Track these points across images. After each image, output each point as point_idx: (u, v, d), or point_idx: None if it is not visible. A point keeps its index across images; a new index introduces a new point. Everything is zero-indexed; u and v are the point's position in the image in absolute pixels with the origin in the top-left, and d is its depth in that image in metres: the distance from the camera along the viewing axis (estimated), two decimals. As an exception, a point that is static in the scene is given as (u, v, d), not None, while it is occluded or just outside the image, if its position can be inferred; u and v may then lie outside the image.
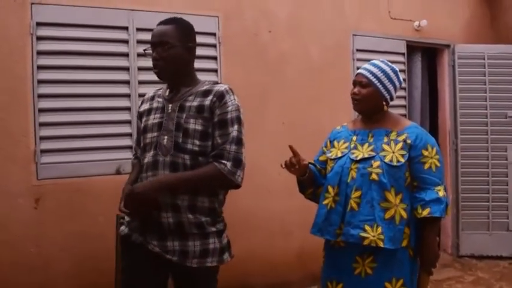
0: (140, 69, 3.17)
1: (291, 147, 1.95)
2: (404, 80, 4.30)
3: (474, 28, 4.73)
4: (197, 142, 1.74)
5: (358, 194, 1.92)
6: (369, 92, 1.98)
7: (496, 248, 4.42)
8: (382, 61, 2.05)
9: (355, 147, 2.01)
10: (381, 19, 4.19)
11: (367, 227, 1.87)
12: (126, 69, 3.18)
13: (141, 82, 3.17)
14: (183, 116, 1.77)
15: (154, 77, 1.87)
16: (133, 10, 3.18)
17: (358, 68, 3.90)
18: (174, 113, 1.79)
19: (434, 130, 4.73)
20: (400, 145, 1.94)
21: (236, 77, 3.49)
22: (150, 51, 1.83)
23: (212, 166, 1.72)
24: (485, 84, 4.43)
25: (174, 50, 1.79)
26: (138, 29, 3.16)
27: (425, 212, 1.89)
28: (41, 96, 2.95)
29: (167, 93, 1.89)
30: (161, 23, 1.84)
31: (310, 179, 2.06)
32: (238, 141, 1.76)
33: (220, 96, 1.78)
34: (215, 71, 3.46)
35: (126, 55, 3.18)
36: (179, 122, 1.76)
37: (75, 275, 2.97)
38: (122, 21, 3.16)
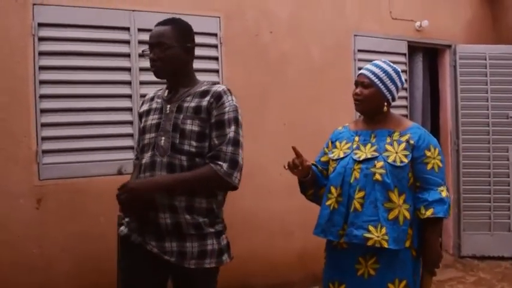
0: (142, 69, 3.17)
1: (294, 149, 1.94)
2: (405, 80, 4.30)
3: (475, 28, 4.72)
4: (194, 143, 1.74)
5: (361, 194, 1.91)
6: (371, 93, 1.98)
7: (497, 249, 4.42)
8: (384, 61, 2.04)
9: (358, 148, 2.00)
10: (382, 19, 4.19)
11: (371, 228, 1.86)
12: (128, 69, 3.18)
13: (142, 83, 3.18)
14: (180, 116, 1.77)
15: (156, 78, 1.87)
16: (134, 11, 3.19)
17: (359, 69, 3.91)
18: (171, 114, 1.79)
19: (435, 130, 4.72)
20: (403, 145, 1.93)
21: (237, 77, 3.50)
22: (148, 52, 1.83)
23: (208, 167, 1.71)
24: (486, 85, 4.43)
25: (171, 51, 1.79)
26: (140, 30, 3.16)
27: (429, 213, 1.89)
28: (42, 96, 2.96)
29: (166, 93, 1.89)
30: (159, 23, 1.84)
31: (312, 180, 2.06)
32: (235, 142, 1.75)
33: (218, 97, 1.77)
34: (216, 71, 3.46)
35: (127, 56, 3.18)
36: (176, 122, 1.76)
37: (77, 275, 2.98)
38: (124, 21, 3.17)
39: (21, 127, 2.89)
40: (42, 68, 2.96)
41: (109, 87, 3.15)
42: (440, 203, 1.89)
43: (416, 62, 4.57)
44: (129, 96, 3.19)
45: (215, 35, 3.46)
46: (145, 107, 1.95)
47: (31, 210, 2.91)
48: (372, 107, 2.01)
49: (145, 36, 3.04)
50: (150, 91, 2.07)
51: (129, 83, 3.19)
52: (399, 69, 2.04)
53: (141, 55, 1.99)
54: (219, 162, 1.71)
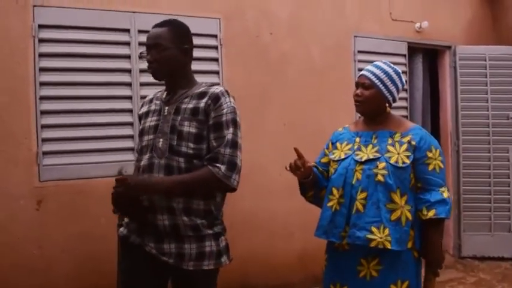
0: (142, 71, 3.17)
1: (296, 150, 1.93)
2: (405, 81, 4.30)
3: (475, 29, 4.72)
4: (191, 145, 1.73)
5: (363, 195, 1.90)
6: (371, 94, 1.98)
7: (497, 249, 4.42)
8: (384, 63, 2.04)
9: (359, 149, 2.00)
10: (382, 20, 4.19)
11: (373, 229, 1.85)
12: (128, 71, 3.19)
13: (142, 84, 3.18)
14: (178, 118, 1.76)
15: (154, 79, 1.87)
16: (135, 12, 3.19)
17: (359, 69, 3.93)
18: (169, 116, 1.79)
19: (435, 131, 4.72)
20: (404, 146, 1.93)
21: (237, 78, 3.50)
22: (145, 54, 1.83)
23: (206, 170, 1.71)
24: (486, 86, 4.43)
25: (168, 52, 1.78)
26: (140, 31, 3.16)
27: (431, 214, 1.88)
28: (42, 98, 2.96)
29: (164, 95, 1.89)
30: (156, 25, 1.83)
31: (312, 182, 2.05)
32: (234, 144, 1.74)
33: (215, 99, 1.76)
34: (217, 72, 3.46)
35: (127, 57, 3.18)
36: (174, 124, 1.76)
37: (77, 276, 2.98)
38: (124, 23, 3.17)
39: (21, 128, 2.90)
40: (43, 70, 2.96)
41: (109, 89, 3.16)
42: (442, 204, 1.89)
43: (416, 63, 4.58)
44: (130, 98, 3.20)
45: (215, 36, 3.47)
46: (144, 109, 1.95)
47: (31, 211, 2.92)
48: (373, 108, 2.01)
49: (146, 38, 3.06)
50: (150, 92, 2.07)
51: (129, 84, 3.20)
52: (400, 70, 2.04)
53: (140, 57, 1.98)
54: (217, 165, 1.70)
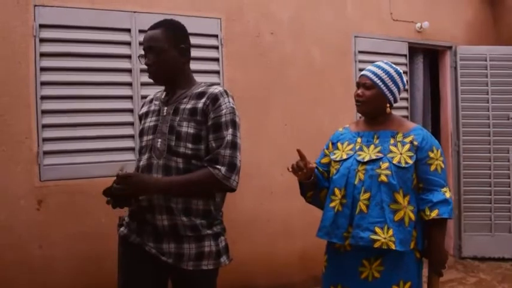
0: (142, 71, 3.16)
1: (298, 151, 1.92)
2: (406, 81, 4.30)
3: (476, 29, 4.72)
4: (190, 145, 1.73)
5: (367, 196, 1.89)
6: (373, 94, 1.97)
7: (498, 250, 4.42)
8: (386, 63, 2.04)
9: (361, 149, 1.99)
10: (382, 21, 4.19)
11: (377, 229, 1.84)
12: (129, 71, 3.19)
13: (143, 84, 3.18)
14: (177, 119, 1.76)
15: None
16: (135, 12, 3.19)
17: (360, 70, 3.93)
18: (168, 116, 1.79)
19: (436, 132, 4.72)
20: (407, 147, 1.93)
21: (238, 78, 3.51)
22: (143, 58, 1.83)
23: (206, 171, 1.71)
24: (487, 86, 4.43)
25: (165, 54, 1.78)
26: (141, 31, 3.16)
27: (434, 214, 1.88)
28: (43, 98, 2.96)
29: (163, 95, 1.89)
30: (151, 27, 1.82)
31: (313, 183, 2.04)
32: (233, 145, 1.74)
33: (214, 99, 1.76)
34: (217, 72, 3.46)
35: (128, 57, 3.19)
36: (172, 125, 1.76)
37: (77, 275, 2.98)
38: (125, 23, 3.17)
39: (22, 128, 2.90)
40: (44, 69, 2.96)
41: (110, 89, 3.16)
42: (444, 204, 1.89)
43: (416, 63, 4.58)
44: (130, 98, 3.20)
45: (216, 36, 3.47)
46: (144, 109, 1.96)
47: (32, 211, 2.92)
48: (374, 108, 2.00)
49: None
50: (150, 92, 2.07)
51: (130, 84, 3.20)
52: (401, 71, 2.04)
53: (145, 56, 1.97)
54: (218, 166, 1.71)
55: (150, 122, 1.85)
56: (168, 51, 1.78)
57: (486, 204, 4.42)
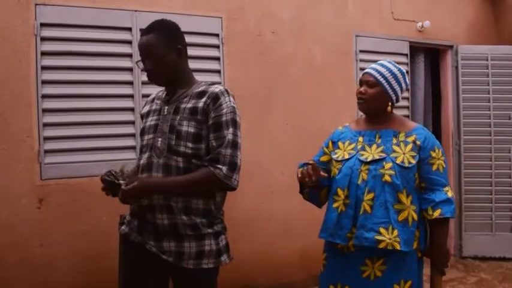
0: (143, 69, 3.17)
1: (314, 166, 1.84)
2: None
3: (477, 29, 4.72)
4: (190, 144, 1.74)
5: (370, 196, 1.88)
6: (376, 92, 1.96)
7: (499, 249, 4.41)
8: (389, 62, 2.03)
9: (363, 149, 1.98)
10: (383, 20, 4.19)
11: (382, 230, 1.83)
12: (130, 69, 3.19)
13: (144, 83, 3.18)
14: (177, 118, 1.77)
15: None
16: (136, 11, 3.19)
17: (361, 69, 3.93)
18: (169, 115, 1.79)
19: (437, 131, 4.72)
20: (410, 146, 1.92)
21: (239, 77, 3.51)
22: (141, 65, 1.83)
23: (207, 170, 1.71)
24: (488, 85, 4.43)
25: (163, 58, 1.78)
26: (142, 30, 3.15)
27: (436, 213, 1.88)
28: (44, 96, 2.96)
29: (164, 95, 1.90)
30: (143, 32, 1.81)
31: (314, 184, 2.00)
32: (234, 145, 1.74)
33: (215, 98, 1.76)
34: (218, 71, 3.46)
35: (129, 56, 3.19)
36: (173, 124, 1.76)
37: (79, 274, 2.99)
38: (126, 22, 3.17)
39: (23, 127, 2.90)
40: (45, 68, 2.96)
41: (111, 87, 3.16)
42: (447, 203, 1.90)
43: (418, 63, 4.57)
44: (131, 96, 3.20)
45: (217, 35, 3.47)
46: (146, 109, 1.96)
47: (33, 209, 2.92)
48: (376, 106, 1.99)
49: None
50: (151, 91, 2.08)
51: (131, 83, 3.20)
52: (404, 71, 2.04)
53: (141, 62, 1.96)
54: (219, 166, 1.71)
55: (151, 121, 1.86)
56: (165, 55, 1.78)
57: (487, 204, 4.42)
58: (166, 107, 1.82)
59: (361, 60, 4.00)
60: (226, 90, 1.80)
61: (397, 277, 1.89)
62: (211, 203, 1.79)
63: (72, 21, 3.03)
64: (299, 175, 1.91)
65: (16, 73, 2.89)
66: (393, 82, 1.97)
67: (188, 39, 3.13)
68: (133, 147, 3.17)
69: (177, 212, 1.72)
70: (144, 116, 1.94)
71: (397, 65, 2.03)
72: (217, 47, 3.47)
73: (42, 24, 2.95)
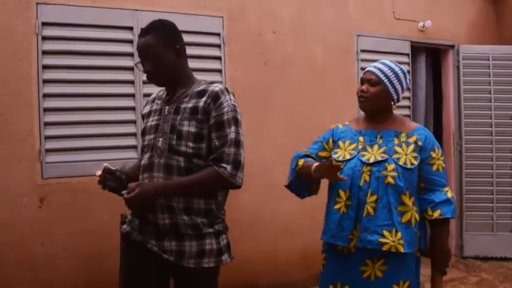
0: (144, 69, 3.18)
1: (334, 164, 1.77)
2: (409, 80, 4.29)
3: (479, 29, 4.71)
4: (191, 144, 1.74)
5: (373, 198, 1.86)
6: (378, 91, 1.95)
7: (500, 249, 4.41)
8: (391, 61, 2.02)
9: (364, 149, 1.96)
10: (385, 19, 4.19)
11: (385, 232, 1.83)
12: (131, 69, 3.19)
13: (145, 82, 3.18)
14: (178, 118, 1.77)
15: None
16: (137, 10, 3.19)
17: (362, 69, 3.92)
18: (169, 115, 1.79)
19: (438, 131, 4.71)
20: (411, 147, 1.92)
21: (240, 76, 3.51)
22: (141, 66, 1.83)
23: (212, 170, 1.72)
24: (489, 85, 4.42)
25: (162, 59, 1.77)
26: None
27: (437, 214, 1.88)
28: (46, 95, 2.97)
29: (165, 95, 1.90)
30: (141, 34, 1.80)
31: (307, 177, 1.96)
32: (237, 143, 1.75)
33: (215, 97, 1.76)
34: (219, 71, 3.46)
35: (130, 55, 3.19)
36: (174, 124, 1.76)
37: (80, 273, 2.99)
38: (127, 21, 3.17)
39: (24, 126, 2.90)
40: (46, 67, 2.96)
41: (112, 87, 3.16)
42: (447, 204, 1.89)
43: (419, 62, 4.57)
44: (132, 96, 3.20)
45: (218, 34, 3.46)
46: (147, 109, 1.96)
47: (34, 208, 2.92)
48: (377, 105, 1.97)
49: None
50: (152, 90, 2.08)
51: (132, 82, 3.20)
52: (405, 70, 2.03)
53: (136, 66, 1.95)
54: (223, 165, 1.71)
55: (152, 121, 1.86)
56: (164, 56, 1.78)
57: (488, 204, 4.41)
58: (167, 107, 1.83)
59: (362, 60, 3.99)
60: (226, 89, 1.80)
61: (396, 277, 1.89)
62: (213, 203, 1.79)
63: (73, 20, 3.03)
64: (313, 168, 1.85)
65: (17, 72, 2.89)
66: (395, 81, 1.96)
67: (189, 38, 3.14)
68: (134, 147, 3.17)
69: (178, 212, 1.73)
70: (145, 116, 1.94)
71: (399, 65, 2.02)
72: (218, 46, 3.47)
73: (44, 24, 2.95)
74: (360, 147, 1.98)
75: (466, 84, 4.46)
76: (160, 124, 1.80)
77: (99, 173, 1.80)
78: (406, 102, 4.28)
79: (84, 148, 3.07)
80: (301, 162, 1.99)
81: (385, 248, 1.82)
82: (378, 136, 1.98)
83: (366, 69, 2.04)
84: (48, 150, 2.97)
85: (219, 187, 1.78)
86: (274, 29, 3.69)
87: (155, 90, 2.03)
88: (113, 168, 1.78)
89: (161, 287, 1.85)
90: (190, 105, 1.78)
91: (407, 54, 4.27)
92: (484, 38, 4.69)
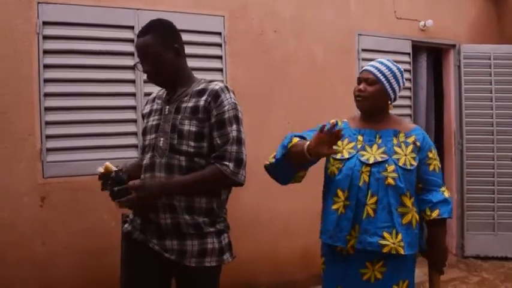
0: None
1: (337, 130, 1.61)
2: (409, 80, 4.29)
3: (480, 28, 4.71)
4: (192, 143, 1.74)
5: (374, 200, 1.84)
6: (375, 90, 1.93)
7: (501, 249, 4.41)
8: (388, 60, 2.00)
9: (363, 148, 1.93)
10: (386, 19, 4.18)
11: (385, 234, 1.81)
12: (132, 68, 3.18)
13: (146, 81, 3.17)
14: (179, 117, 1.77)
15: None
16: (139, 9, 3.19)
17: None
18: (170, 115, 1.79)
19: (439, 130, 4.71)
20: (410, 148, 1.90)
21: (241, 76, 3.50)
22: (140, 66, 1.82)
23: (215, 167, 1.72)
24: (491, 85, 4.42)
25: (161, 59, 1.77)
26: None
27: (435, 214, 1.88)
28: (47, 95, 2.96)
29: (165, 94, 1.90)
30: (139, 34, 1.80)
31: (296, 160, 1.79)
32: (239, 141, 1.75)
33: (215, 96, 1.75)
34: (220, 70, 3.46)
35: (131, 54, 3.18)
36: (174, 123, 1.76)
37: (81, 272, 2.99)
38: (128, 20, 3.17)
39: (25, 125, 2.90)
40: (47, 66, 2.96)
41: (113, 86, 3.16)
42: (444, 204, 1.89)
43: (420, 62, 4.57)
44: (133, 95, 3.20)
45: (219, 33, 3.46)
46: (147, 109, 1.96)
47: (35, 208, 2.92)
48: (375, 104, 1.95)
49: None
50: (153, 90, 2.07)
51: (133, 81, 3.20)
52: (402, 69, 2.01)
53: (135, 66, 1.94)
54: (225, 163, 1.71)
55: (152, 121, 1.86)
56: (163, 56, 1.77)
57: (489, 203, 4.41)
58: (167, 107, 1.83)
59: (364, 59, 3.99)
60: (226, 87, 1.80)
61: (396, 278, 1.88)
62: (214, 202, 1.79)
63: (74, 19, 3.03)
64: (306, 144, 1.68)
65: (18, 71, 2.89)
66: (392, 80, 1.94)
67: (190, 37, 3.14)
68: (135, 146, 3.17)
69: (180, 212, 1.73)
70: (145, 116, 1.94)
71: (396, 64, 2.00)
72: (220, 45, 3.47)
73: (44, 23, 2.95)
74: (359, 146, 1.95)
75: (467, 84, 4.46)
76: (161, 124, 1.80)
77: (100, 169, 1.79)
78: (407, 102, 4.28)
79: (85, 147, 3.07)
80: (295, 140, 1.86)
81: (385, 250, 1.81)
82: (377, 136, 1.95)
83: (363, 68, 2.01)
84: (49, 150, 2.97)
85: (221, 185, 1.78)
86: (276, 28, 3.69)
87: (156, 89, 2.03)
88: (115, 168, 1.78)
89: (162, 286, 1.85)
90: (190, 104, 1.77)
91: (409, 54, 4.27)
92: (485, 37, 4.69)
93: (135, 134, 3.19)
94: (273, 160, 1.91)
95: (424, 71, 4.58)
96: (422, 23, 4.32)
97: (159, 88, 2.00)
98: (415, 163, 1.88)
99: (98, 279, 2.96)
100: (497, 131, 4.39)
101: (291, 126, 3.72)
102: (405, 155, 1.89)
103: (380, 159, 1.88)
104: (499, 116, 4.40)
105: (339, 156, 1.95)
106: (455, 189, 4.46)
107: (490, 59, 4.42)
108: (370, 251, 1.83)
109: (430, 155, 1.93)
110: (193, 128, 1.74)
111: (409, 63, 4.27)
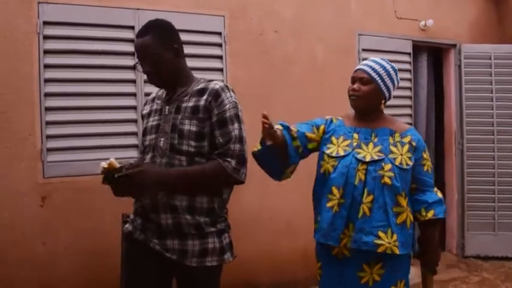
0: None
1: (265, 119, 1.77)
2: (410, 80, 4.29)
3: (480, 28, 4.70)
4: (192, 143, 1.74)
5: (370, 198, 1.83)
6: (370, 89, 1.92)
7: (501, 249, 4.41)
8: (382, 59, 1.99)
9: (359, 146, 1.92)
10: (386, 19, 4.18)
11: (381, 234, 1.80)
12: (132, 68, 3.18)
13: (147, 81, 3.16)
14: (179, 117, 1.76)
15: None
16: (139, 9, 3.19)
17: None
18: (170, 115, 1.79)
19: (439, 130, 4.71)
20: (406, 147, 1.90)
21: (241, 75, 3.50)
22: (140, 67, 1.82)
23: (217, 163, 1.72)
24: (491, 84, 4.42)
25: (161, 59, 1.77)
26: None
27: (430, 214, 1.89)
28: (47, 95, 2.97)
29: (164, 94, 1.90)
30: (138, 34, 1.79)
31: (279, 150, 1.89)
32: (241, 139, 1.76)
33: (216, 95, 1.75)
34: (220, 70, 3.46)
35: (132, 54, 3.18)
36: (175, 123, 1.76)
37: (81, 272, 2.99)
38: (129, 20, 3.17)
39: (26, 125, 2.91)
40: (47, 66, 2.96)
41: (114, 86, 3.16)
42: (439, 204, 1.91)
43: (420, 62, 4.56)
44: (134, 95, 3.20)
45: (219, 33, 3.46)
46: (147, 109, 1.96)
47: (36, 208, 2.93)
48: (370, 103, 1.94)
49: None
50: (154, 89, 2.07)
51: (133, 81, 3.20)
52: (396, 68, 1.99)
53: (135, 67, 1.94)
54: (228, 159, 1.72)
55: (152, 121, 1.86)
56: (162, 56, 1.77)
57: (490, 203, 4.41)
58: (167, 107, 1.82)
59: (364, 59, 3.96)
60: (226, 86, 1.80)
61: (394, 279, 1.88)
62: (215, 202, 1.79)
63: (75, 19, 3.03)
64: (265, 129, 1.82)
65: (18, 71, 2.89)
66: (387, 79, 1.93)
67: (191, 37, 3.14)
68: (135, 146, 3.17)
69: (181, 212, 1.72)
70: (145, 117, 1.94)
71: (390, 62, 1.99)
72: (220, 45, 3.47)
73: (45, 23, 2.95)
74: (355, 144, 1.94)
75: (468, 84, 4.46)
76: (161, 124, 1.80)
77: (104, 164, 1.77)
78: (407, 102, 4.28)
79: (85, 147, 3.07)
80: (279, 127, 1.88)
81: (380, 250, 1.80)
82: (373, 134, 1.95)
83: (357, 67, 2.00)
84: (49, 149, 2.97)
85: (221, 181, 1.76)
86: (276, 28, 3.69)
87: (155, 89, 2.03)
88: (118, 165, 1.77)
89: (163, 286, 1.85)
90: (190, 104, 1.77)
91: (409, 54, 4.27)
92: (486, 37, 4.69)
93: (135, 134, 3.19)
94: (260, 147, 1.97)
95: (424, 71, 4.58)
96: (422, 22, 4.32)
97: (158, 88, 2.01)
98: (410, 163, 1.89)
99: (99, 279, 2.96)
100: (498, 130, 4.39)
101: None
102: (401, 154, 1.89)
103: (376, 158, 1.87)
104: (500, 115, 4.40)
105: (334, 153, 1.94)
106: (455, 189, 4.46)
107: (490, 59, 4.42)
108: (366, 251, 1.82)
109: (425, 155, 1.95)
110: (193, 128, 1.74)
111: (410, 63, 4.26)
